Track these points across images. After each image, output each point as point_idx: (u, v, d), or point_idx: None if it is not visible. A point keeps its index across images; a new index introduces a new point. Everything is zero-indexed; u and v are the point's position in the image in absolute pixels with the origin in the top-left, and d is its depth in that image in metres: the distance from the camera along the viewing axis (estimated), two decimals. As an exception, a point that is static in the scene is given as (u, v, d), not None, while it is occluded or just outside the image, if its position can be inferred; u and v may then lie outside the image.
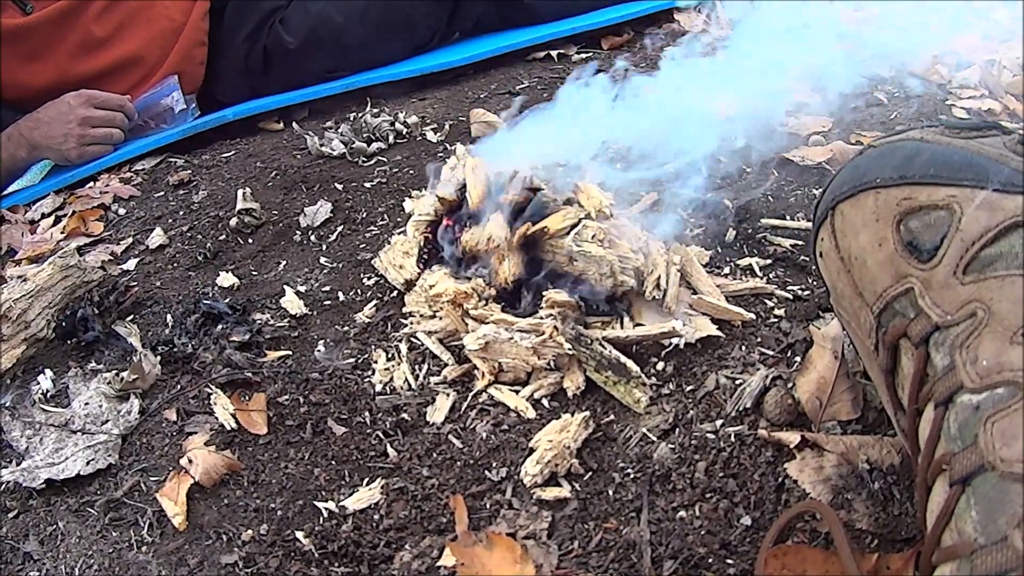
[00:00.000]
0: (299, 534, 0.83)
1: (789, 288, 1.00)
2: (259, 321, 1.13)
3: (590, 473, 0.83)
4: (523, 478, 0.83)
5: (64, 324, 1.16)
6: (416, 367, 1.01)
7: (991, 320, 0.57)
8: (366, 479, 0.88)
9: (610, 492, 0.80)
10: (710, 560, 0.72)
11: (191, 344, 1.09)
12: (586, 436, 0.86)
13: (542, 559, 0.74)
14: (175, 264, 1.34)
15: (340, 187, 1.44)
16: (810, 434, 0.78)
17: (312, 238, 1.33)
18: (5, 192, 1.82)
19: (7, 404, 1.07)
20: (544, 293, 0.97)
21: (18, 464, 0.97)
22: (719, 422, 0.84)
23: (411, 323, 1.07)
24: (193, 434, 0.97)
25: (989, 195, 0.61)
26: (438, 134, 1.58)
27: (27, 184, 1.82)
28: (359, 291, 1.17)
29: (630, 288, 0.98)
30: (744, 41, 1.45)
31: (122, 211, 1.56)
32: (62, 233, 1.54)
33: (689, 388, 0.89)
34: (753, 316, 0.96)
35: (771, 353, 0.90)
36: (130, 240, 1.45)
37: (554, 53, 1.91)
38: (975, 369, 0.56)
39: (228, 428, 0.97)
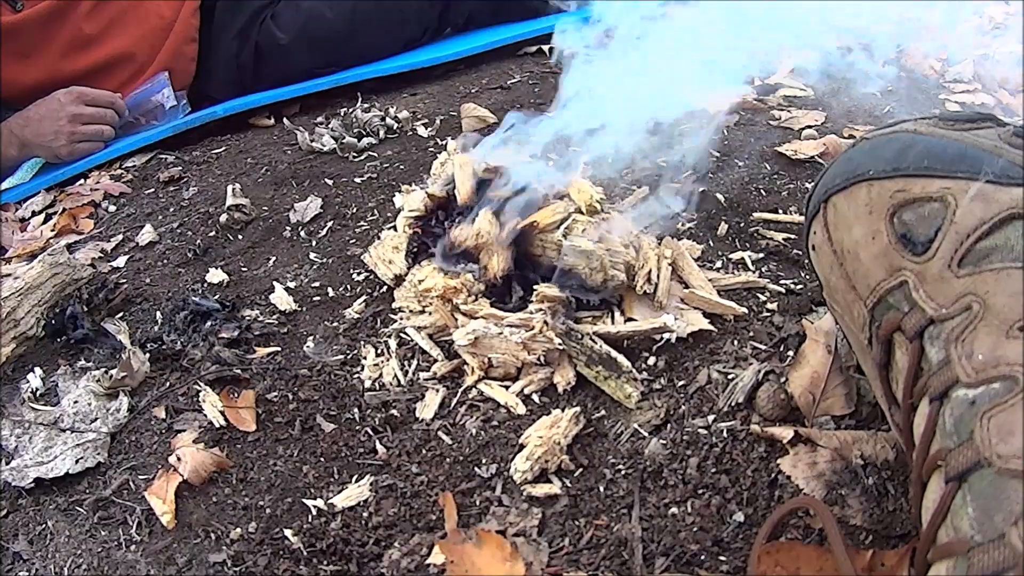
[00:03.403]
0: (288, 532, 0.82)
1: (782, 282, 0.99)
2: (248, 318, 1.12)
3: (581, 469, 0.82)
4: (513, 475, 0.82)
5: (53, 322, 1.16)
6: (405, 363, 1.00)
7: (987, 314, 0.57)
8: (355, 476, 0.88)
9: (601, 488, 0.80)
10: (702, 557, 0.71)
11: (180, 341, 1.08)
12: (577, 432, 0.85)
13: (532, 557, 0.74)
14: (165, 261, 1.33)
15: (330, 183, 1.44)
16: (803, 429, 0.78)
17: (302, 234, 1.32)
18: (-4, 190, 1.81)
19: (-3, 402, 1.06)
20: (534, 288, 0.96)
21: (7, 463, 0.96)
22: (711, 417, 0.83)
23: (400, 318, 1.06)
24: (182, 432, 0.96)
25: (984, 187, 0.61)
26: (429, 129, 1.57)
27: (17, 182, 1.81)
28: (349, 287, 1.16)
29: (621, 282, 0.97)
30: (734, 32, 1.45)
31: (112, 208, 1.56)
32: (52, 231, 1.53)
33: (681, 383, 0.88)
34: (745, 310, 0.95)
35: (764, 347, 0.90)
36: (120, 237, 1.44)
37: (546, 48, 1.90)
38: (970, 363, 0.56)
39: (217, 425, 0.96)
